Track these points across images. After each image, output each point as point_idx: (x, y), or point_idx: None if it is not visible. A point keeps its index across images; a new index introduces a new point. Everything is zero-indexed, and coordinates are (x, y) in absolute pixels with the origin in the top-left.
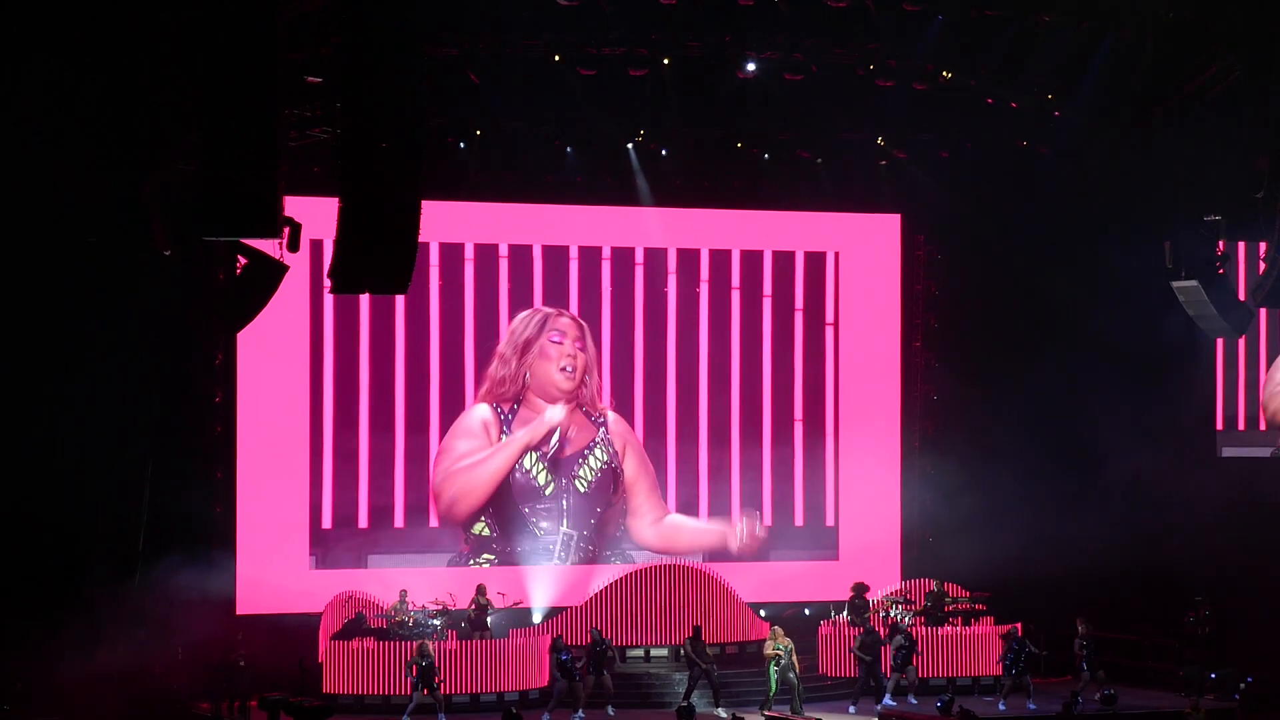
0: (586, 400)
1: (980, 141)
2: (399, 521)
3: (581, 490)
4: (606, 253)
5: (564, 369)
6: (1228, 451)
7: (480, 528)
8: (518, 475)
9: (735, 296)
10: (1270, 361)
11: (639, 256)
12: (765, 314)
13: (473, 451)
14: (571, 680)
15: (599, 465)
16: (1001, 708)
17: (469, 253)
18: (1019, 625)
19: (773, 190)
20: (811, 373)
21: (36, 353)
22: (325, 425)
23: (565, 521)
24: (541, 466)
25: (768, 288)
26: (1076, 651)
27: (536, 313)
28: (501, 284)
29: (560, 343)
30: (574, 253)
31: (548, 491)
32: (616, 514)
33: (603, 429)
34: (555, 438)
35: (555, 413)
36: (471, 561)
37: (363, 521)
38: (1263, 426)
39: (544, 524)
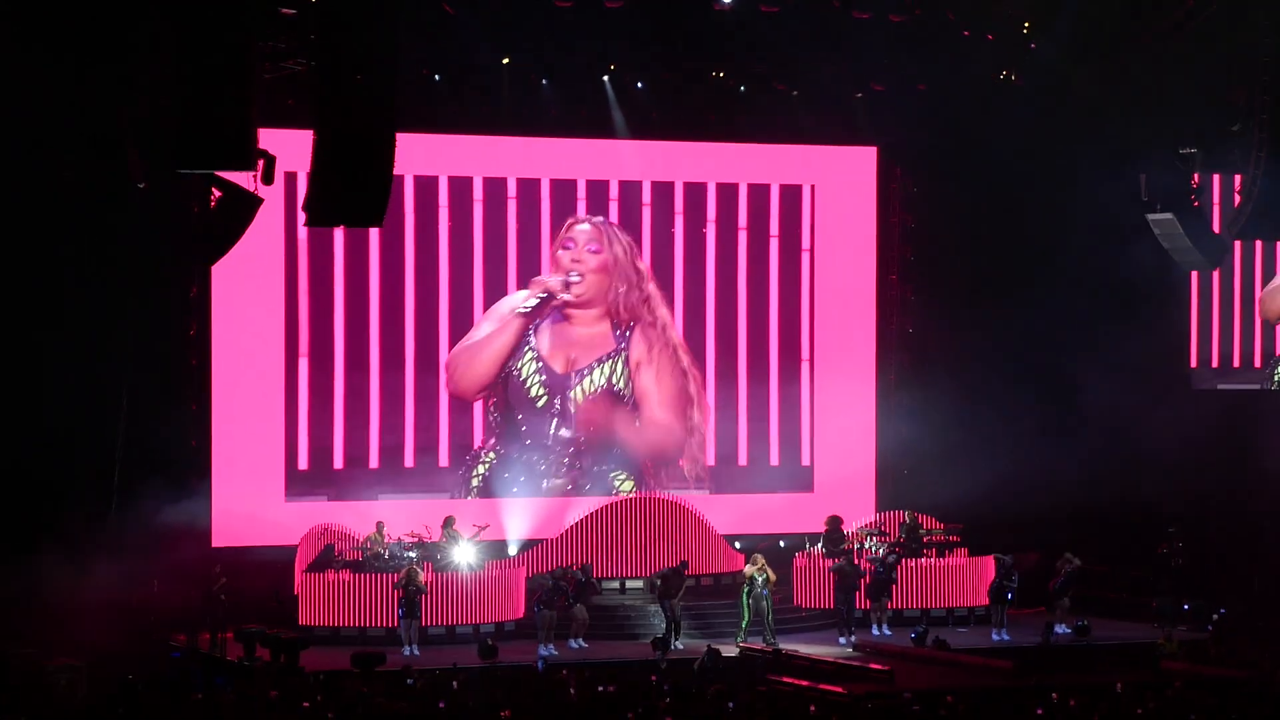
0: (625, 309)
1: (957, 74)
2: (374, 461)
3: (573, 411)
4: (581, 186)
5: (570, 276)
6: (1204, 384)
7: (491, 417)
8: (514, 380)
9: (711, 230)
10: (1243, 294)
11: (614, 190)
12: (740, 248)
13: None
14: (553, 609)
15: (598, 384)
16: (1005, 638)
17: (444, 186)
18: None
19: (748, 123)
20: (787, 307)
21: (10, 286)
22: (300, 359)
23: (551, 436)
24: (538, 379)
25: (743, 221)
26: (1058, 574)
27: (565, 223)
28: (476, 218)
29: (571, 248)
30: (546, 186)
31: (539, 404)
32: (614, 432)
33: (621, 342)
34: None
35: (553, 281)
36: (475, 475)
37: (338, 460)
38: (1236, 363)
39: (532, 434)
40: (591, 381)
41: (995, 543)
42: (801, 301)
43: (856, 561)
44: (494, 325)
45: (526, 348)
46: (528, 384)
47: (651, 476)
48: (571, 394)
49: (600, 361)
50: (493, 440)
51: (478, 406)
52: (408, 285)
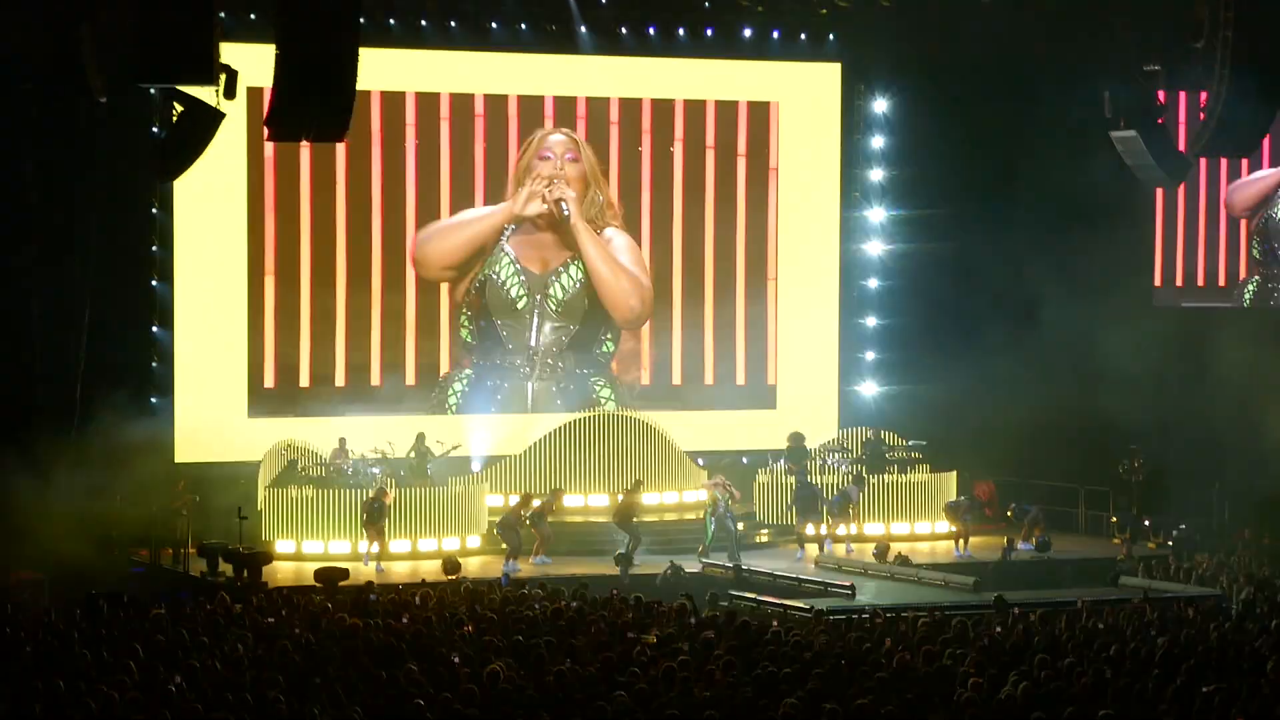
0: (593, 215)
1: None
2: (340, 379)
3: (552, 309)
4: (549, 103)
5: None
6: (1166, 302)
7: (465, 333)
8: (492, 284)
9: (678, 148)
10: (1209, 213)
11: (581, 108)
12: (708, 166)
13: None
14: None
15: (571, 284)
16: (967, 554)
17: (410, 102)
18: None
19: (713, 39)
20: (754, 226)
21: None
22: (265, 276)
23: (534, 338)
24: (518, 280)
25: (710, 139)
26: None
27: (533, 135)
28: (443, 134)
29: (549, 158)
30: (513, 103)
31: (519, 305)
32: (597, 331)
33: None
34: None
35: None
36: (451, 393)
37: (304, 379)
38: (1201, 280)
39: (513, 338)
40: (570, 277)
41: (957, 460)
42: (768, 221)
43: (819, 478)
44: (480, 212)
45: (500, 253)
46: (507, 285)
47: (623, 384)
48: (550, 291)
49: (574, 258)
50: (466, 360)
51: (445, 329)
52: (374, 203)
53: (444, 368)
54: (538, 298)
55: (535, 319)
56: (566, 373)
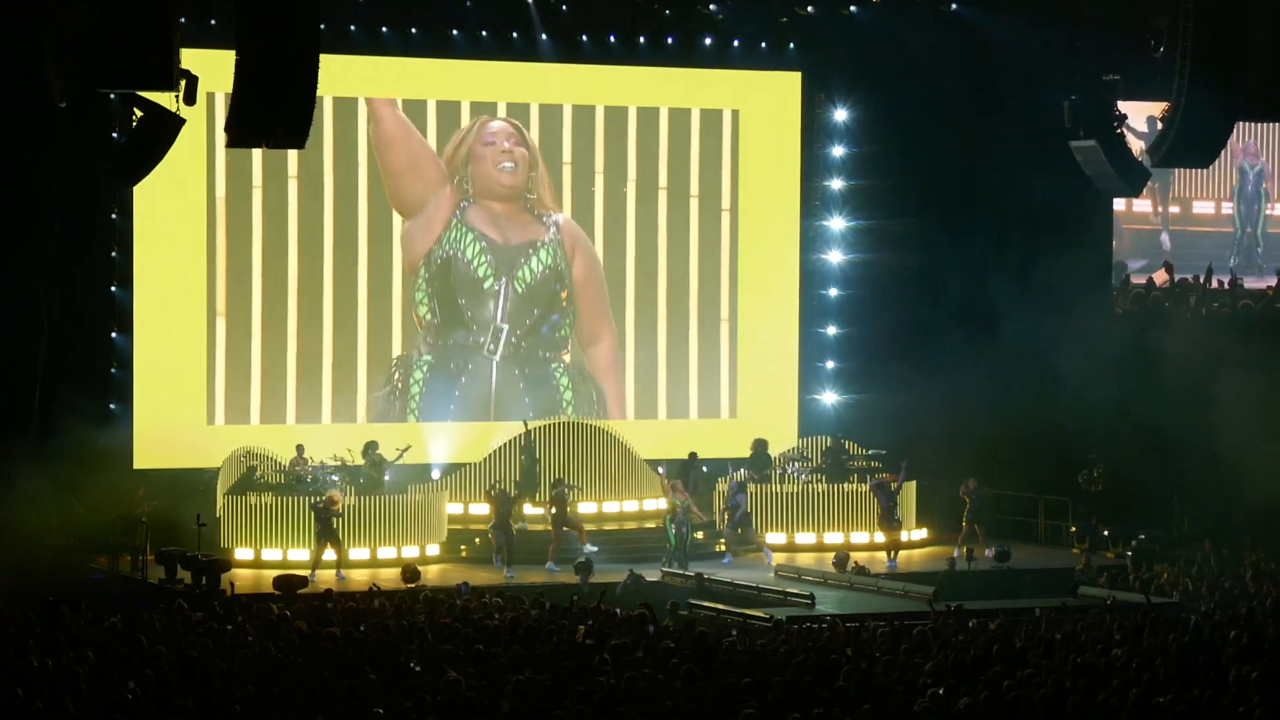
0: (535, 201)
1: None
2: (291, 382)
3: (519, 291)
4: (501, 109)
5: (502, 167)
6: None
7: (424, 310)
8: (460, 262)
9: (631, 156)
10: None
11: (534, 112)
12: (660, 173)
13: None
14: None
15: (541, 268)
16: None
17: (362, 108)
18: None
19: (673, 47)
20: (710, 233)
21: None
22: (217, 280)
23: (499, 315)
24: (484, 259)
25: (664, 146)
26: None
27: (469, 124)
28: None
29: (494, 143)
30: (465, 108)
31: (486, 285)
32: (556, 316)
33: (553, 229)
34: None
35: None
36: (414, 381)
37: (255, 383)
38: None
39: (479, 317)
40: (539, 261)
41: (918, 468)
42: (724, 225)
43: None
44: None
45: (462, 228)
46: (474, 263)
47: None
48: (518, 274)
49: (541, 245)
50: (425, 342)
51: (395, 314)
52: (326, 208)
53: (397, 347)
54: (503, 278)
55: (501, 297)
56: (528, 353)
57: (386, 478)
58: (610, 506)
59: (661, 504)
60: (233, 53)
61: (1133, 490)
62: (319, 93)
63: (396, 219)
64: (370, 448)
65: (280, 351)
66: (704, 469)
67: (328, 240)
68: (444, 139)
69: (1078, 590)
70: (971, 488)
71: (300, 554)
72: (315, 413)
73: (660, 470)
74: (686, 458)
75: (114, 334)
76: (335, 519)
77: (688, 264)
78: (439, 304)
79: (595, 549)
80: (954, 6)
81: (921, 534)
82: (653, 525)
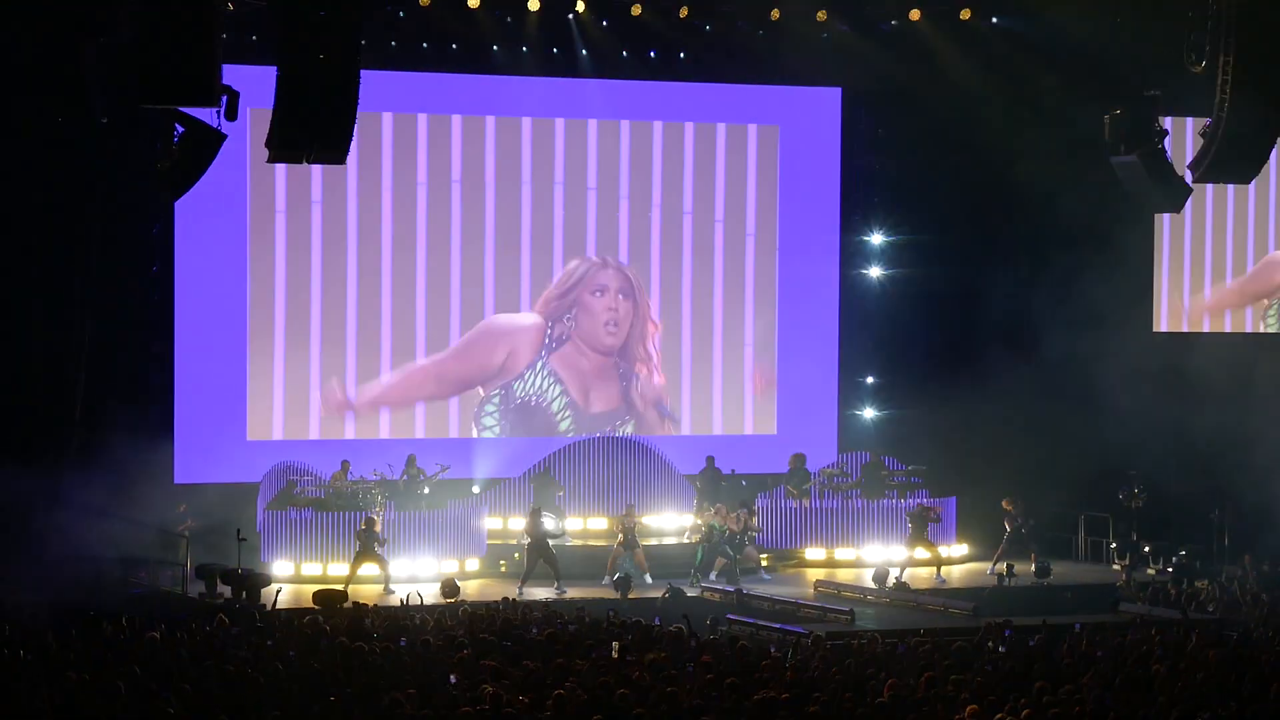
0: (631, 350)
1: (926, 13)
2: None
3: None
4: (560, 126)
5: (608, 327)
6: (1166, 327)
7: (489, 431)
8: (541, 410)
9: (689, 175)
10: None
11: (592, 132)
12: (718, 189)
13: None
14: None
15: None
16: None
17: (422, 124)
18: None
19: (714, 63)
20: (758, 247)
21: None
22: (276, 295)
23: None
24: (567, 416)
25: (720, 161)
26: (1007, 526)
27: (583, 263)
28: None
29: (602, 296)
30: (490, 123)
31: (561, 428)
32: None
33: (636, 401)
34: None
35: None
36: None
37: (314, 396)
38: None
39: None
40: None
41: (956, 485)
42: (771, 241)
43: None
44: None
45: (548, 374)
46: (557, 417)
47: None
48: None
49: (620, 423)
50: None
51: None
52: (384, 225)
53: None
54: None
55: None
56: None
57: (424, 492)
58: (650, 521)
59: (698, 520)
60: (274, 68)
61: (1173, 506)
62: (370, 109)
63: (455, 236)
64: (410, 462)
65: (335, 368)
66: (725, 471)
67: (385, 257)
68: (472, 153)
69: (1118, 606)
70: (1013, 506)
71: (340, 568)
72: (359, 427)
73: (696, 486)
74: (705, 465)
75: (155, 348)
76: (375, 541)
77: (726, 278)
78: (507, 426)
79: (651, 582)
80: (994, 20)
81: (962, 550)
82: (692, 541)
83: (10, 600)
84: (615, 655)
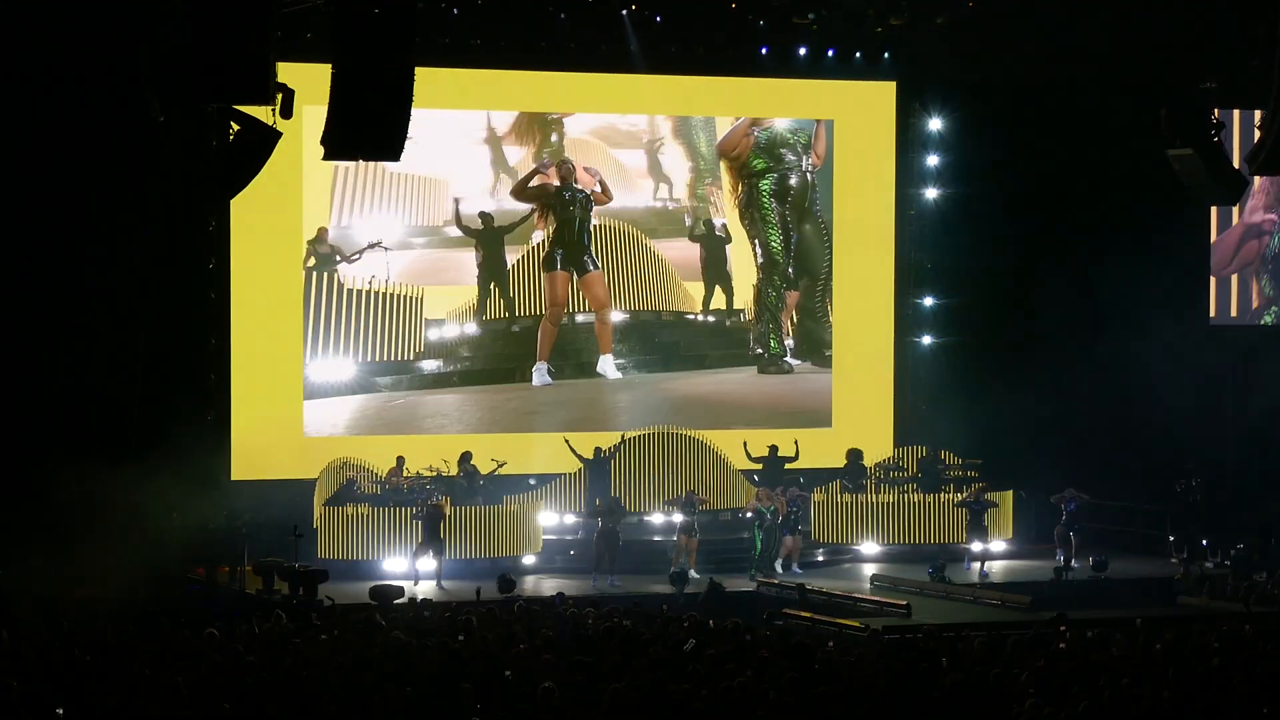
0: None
1: (976, 7)
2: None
3: None
4: (604, 120)
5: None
6: (1223, 320)
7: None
8: None
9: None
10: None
11: (643, 125)
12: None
13: None
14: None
15: None
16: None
17: (466, 120)
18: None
19: (767, 57)
20: (807, 240)
21: (28, 219)
22: (312, 289)
23: None
24: None
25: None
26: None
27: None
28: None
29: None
30: (576, 120)
31: None
32: None
33: None
34: None
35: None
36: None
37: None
38: (1255, 302)
39: None
40: None
41: (1013, 479)
42: (822, 235)
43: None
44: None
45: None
46: None
47: None
48: None
49: None
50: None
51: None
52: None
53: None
54: None
55: None
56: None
57: (480, 487)
58: (702, 517)
59: (749, 514)
60: (328, 66)
61: (1231, 499)
62: (429, 107)
63: None
64: (465, 458)
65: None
66: (784, 461)
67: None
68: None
69: (1177, 599)
70: (1068, 497)
71: (397, 564)
72: (413, 424)
73: (755, 479)
74: (766, 452)
75: (211, 345)
76: (440, 524)
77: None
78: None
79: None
80: (1048, 12)
81: (1016, 544)
82: (744, 535)
83: (69, 598)
84: (687, 648)
